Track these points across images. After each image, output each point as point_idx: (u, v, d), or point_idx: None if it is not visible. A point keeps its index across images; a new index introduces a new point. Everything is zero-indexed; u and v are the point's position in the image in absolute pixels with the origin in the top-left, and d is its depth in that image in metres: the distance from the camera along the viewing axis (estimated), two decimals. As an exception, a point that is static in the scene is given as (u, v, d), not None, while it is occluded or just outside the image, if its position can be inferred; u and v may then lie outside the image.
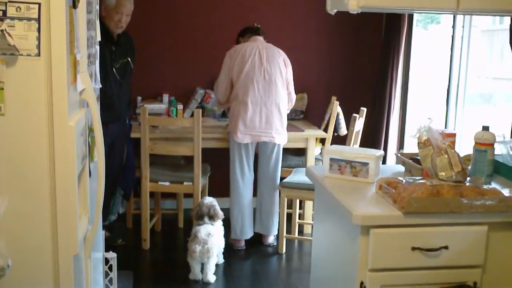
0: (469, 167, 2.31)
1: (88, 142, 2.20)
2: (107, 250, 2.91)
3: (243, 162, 4.17)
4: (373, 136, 4.89)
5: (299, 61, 4.74)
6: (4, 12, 1.72)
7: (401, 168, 2.60)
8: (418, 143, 2.21)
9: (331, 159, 2.38)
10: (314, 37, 5.09)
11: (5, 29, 1.71)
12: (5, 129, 1.77)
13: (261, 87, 4.05)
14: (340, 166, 2.37)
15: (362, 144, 4.42)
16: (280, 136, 4.15)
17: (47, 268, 1.89)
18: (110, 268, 2.93)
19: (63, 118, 1.82)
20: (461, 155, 2.24)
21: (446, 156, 2.09)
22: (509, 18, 3.34)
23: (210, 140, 4.30)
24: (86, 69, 2.19)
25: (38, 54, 1.76)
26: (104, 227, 2.90)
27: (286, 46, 4.34)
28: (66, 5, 1.80)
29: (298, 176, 4.10)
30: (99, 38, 2.52)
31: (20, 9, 1.73)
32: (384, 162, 4.50)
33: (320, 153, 4.63)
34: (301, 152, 4.63)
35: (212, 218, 3.73)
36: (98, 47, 2.54)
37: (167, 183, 4.18)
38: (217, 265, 3.80)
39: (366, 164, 2.32)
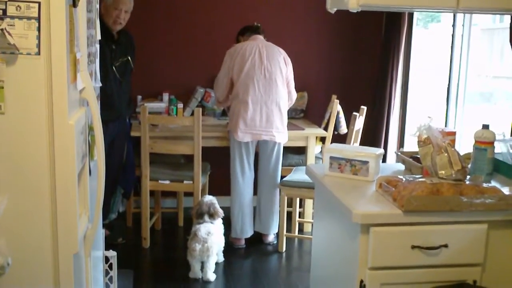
0: (469, 166, 2.31)
1: (88, 140, 2.20)
2: (107, 248, 2.91)
3: (243, 161, 4.17)
4: (373, 135, 4.89)
5: (299, 59, 4.74)
6: (4, 11, 1.72)
7: (401, 167, 2.61)
8: (418, 141, 2.22)
9: (331, 158, 2.39)
10: (314, 35, 5.09)
11: (5, 28, 1.71)
12: (5, 127, 1.77)
13: (262, 86, 4.05)
14: (340, 164, 2.37)
15: (362, 143, 4.42)
16: (281, 134, 4.15)
17: (47, 267, 1.89)
18: (110, 266, 2.93)
19: (63, 117, 1.82)
20: (461, 153, 2.24)
21: (446, 154, 2.10)
22: (509, 16, 3.34)
23: (210, 138, 4.30)
24: (86, 67, 2.19)
25: (38, 53, 1.76)
26: (104, 226, 2.90)
27: (286, 45, 4.34)
28: (66, 4, 1.80)
29: (298, 175, 4.10)
30: (99, 37, 2.52)
31: (20, 8, 1.73)
32: (384, 160, 4.50)
33: (320, 151, 4.63)
34: (301, 151, 4.63)
35: (212, 216, 3.74)
36: (98, 46, 2.54)
37: (167, 182, 4.19)
38: (217, 263, 3.81)
39: (366, 162, 2.32)
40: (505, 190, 2.07)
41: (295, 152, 4.66)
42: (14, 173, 1.81)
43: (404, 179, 2.12)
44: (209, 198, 3.83)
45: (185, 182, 4.17)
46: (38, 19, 1.74)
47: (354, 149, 2.55)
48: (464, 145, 3.91)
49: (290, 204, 4.42)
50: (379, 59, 4.97)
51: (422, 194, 1.96)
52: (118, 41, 3.96)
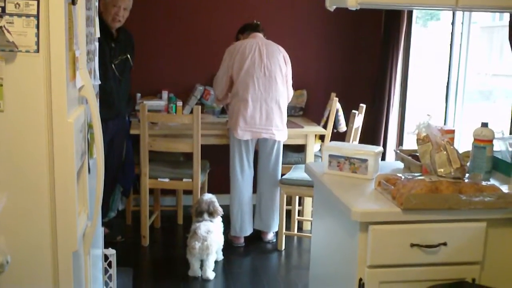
0: (468, 164, 2.31)
1: (87, 138, 2.20)
2: (106, 246, 2.91)
3: (243, 159, 4.17)
4: (372, 133, 4.89)
5: (298, 57, 4.74)
6: (3, 8, 1.72)
7: (400, 165, 2.61)
8: (417, 139, 2.22)
9: (330, 156, 2.39)
10: (313, 33, 5.09)
11: (4, 26, 1.71)
12: (4, 125, 1.77)
13: (261, 84, 4.05)
14: (339, 162, 2.37)
15: (362, 141, 4.43)
16: (281, 132, 4.15)
17: (46, 265, 1.89)
18: (110, 264, 2.94)
19: (62, 115, 1.82)
20: (460, 151, 2.24)
21: (445, 152, 2.10)
22: (508, 14, 3.34)
23: (209, 136, 4.30)
24: (85, 65, 2.19)
25: (37, 51, 1.76)
26: (103, 224, 2.90)
27: (285, 43, 4.33)
28: (65, 2, 1.80)
29: (297, 173, 4.10)
30: (98, 35, 2.52)
31: (19, 5, 1.73)
32: (383, 158, 4.51)
33: (320, 149, 4.63)
34: (300, 149, 4.63)
35: (211, 214, 3.74)
36: (97, 44, 2.54)
37: (166, 180, 4.19)
38: (216, 261, 3.81)
39: (365, 160, 2.33)
40: (504, 188, 2.07)
41: (294, 150, 4.66)
42: (13, 171, 1.81)
43: (403, 177, 2.12)
44: (208, 196, 3.83)
45: (184, 180, 4.17)
46: (37, 16, 1.74)
47: (353, 147, 2.55)
48: (463, 143, 3.91)
49: (289, 202, 4.42)
50: (378, 57, 4.96)
51: (421, 192, 1.96)
52: (118, 39, 3.96)
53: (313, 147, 4.46)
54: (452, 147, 2.14)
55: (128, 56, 4.05)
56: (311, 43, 5.10)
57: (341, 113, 4.54)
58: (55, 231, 1.88)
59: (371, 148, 2.42)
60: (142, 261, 4.05)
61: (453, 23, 4.44)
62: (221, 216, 3.85)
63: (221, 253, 3.95)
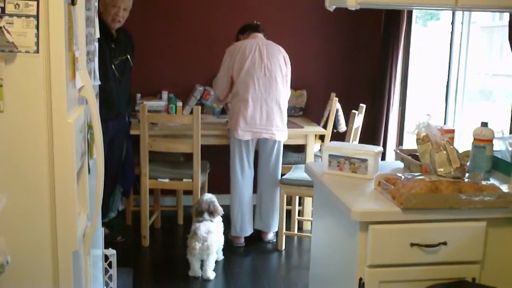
0: (468, 163, 2.31)
1: (87, 139, 2.20)
2: (106, 247, 2.91)
3: (243, 159, 4.17)
4: (372, 133, 4.89)
5: (298, 57, 4.74)
6: (3, 9, 1.72)
7: (400, 165, 2.61)
8: (417, 139, 2.22)
9: (330, 156, 2.39)
10: (313, 33, 5.09)
11: (4, 26, 1.71)
12: (4, 126, 1.77)
13: (262, 84, 4.05)
14: (339, 162, 2.37)
15: (361, 141, 4.43)
16: (281, 132, 4.15)
17: (46, 265, 1.89)
18: (110, 265, 2.94)
19: (62, 115, 1.82)
20: (460, 151, 2.24)
21: (445, 152, 2.10)
22: (508, 14, 3.34)
23: (209, 137, 4.30)
24: (85, 66, 2.19)
25: (37, 51, 1.76)
26: (103, 224, 2.90)
27: (285, 43, 4.33)
28: (64, 2, 1.80)
29: (297, 173, 4.10)
30: (98, 35, 2.52)
31: (19, 6, 1.73)
32: (383, 158, 4.51)
33: (320, 149, 4.63)
34: (300, 149, 4.63)
35: (211, 214, 3.74)
36: (97, 44, 2.54)
37: (166, 180, 4.19)
38: (216, 261, 3.81)
39: (365, 160, 2.33)
40: (504, 188, 2.07)
41: (294, 150, 4.66)
42: (13, 172, 1.81)
43: (403, 176, 2.12)
44: (208, 196, 3.83)
45: (184, 180, 4.17)
46: (37, 17, 1.74)
47: (353, 147, 2.55)
48: (463, 143, 3.91)
49: (290, 202, 4.42)
50: (378, 57, 4.96)
51: (421, 192, 1.96)
52: (118, 40, 3.96)
53: (313, 147, 4.46)
54: (452, 146, 2.14)
55: (128, 56, 4.05)
56: (311, 43, 5.10)
57: (341, 113, 4.54)
58: (55, 231, 1.89)
59: (371, 148, 2.42)
60: (143, 261, 4.05)
61: (453, 23, 4.45)
62: (221, 216, 3.85)
63: (222, 253, 3.95)
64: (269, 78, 4.06)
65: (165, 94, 4.71)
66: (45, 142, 1.82)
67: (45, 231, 1.87)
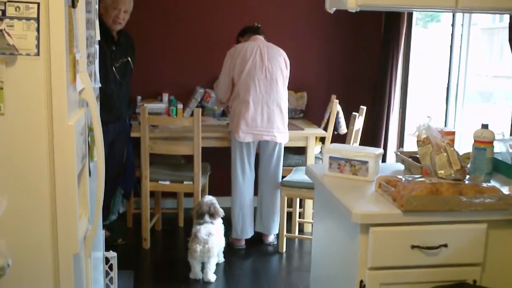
0: (468, 165, 2.31)
1: (88, 141, 2.20)
2: (107, 249, 2.91)
3: (244, 161, 4.17)
4: (372, 135, 4.89)
5: (298, 60, 4.74)
6: (3, 11, 1.72)
7: (401, 167, 2.61)
8: (417, 141, 2.22)
9: (331, 158, 2.39)
10: (313, 36, 5.09)
11: (4, 29, 1.71)
12: (5, 128, 1.78)
13: (263, 86, 4.05)
14: (339, 164, 2.37)
15: (362, 143, 4.43)
16: (282, 135, 4.15)
17: (47, 268, 1.89)
18: (111, 267, 2.94)
19: (62, 118, 1.82)
20: (461, 153, 2.24)
21: (445, 154, 2.10)
22: (508, 16, 3.34)
23: (210, 139, 4.31)
24: (85, 68, 2.19)
25: (38, 54, 1.76)
26: (104, 227, 2.90)
27: (285, 45, 4.34)
28: (65, 5, 1.80)
29: (298, 175, 4.10)
30: (98, 38, 2.52)
31: (19, 8, 1.73)
32: (383, 160, 4.50)
33: (320, 151, 4.63)
34: (301, 151, 4.63)
35: (212, 216, 3.74)
36: (97, 47, 2.54)
37: (167, 183, 4.19)
38: (217, 264, 3.81)
39: (365, 162, 2.32)
40: (505, 190, 2.07)
41: (295, 152, 4.66)
42: (14, 174, 1.81)
43: (403, 179, 2.12)
44: (209, 198, 3.83)
45: (185, 182, 4.17)
46: (37, 19, 1.75)
47: (353, 149, 2.55)
48: (464, 145, 3.91)
49: (290, 204, 4.42)
50: (378, 59, 4.97)
51: (421, 194, 1.96)
52: (118, 42, 3.97)
53: (314, 149, 4.46)
54: (452, 148, 2.14)
55: (129, 59, 4.06)
56: (312, 45, 5.10)
57: (341, 115, 4.54)
58: (56, 234, 1.88)
59: (372, 150, 2.42)
60: (143, 264, 4.05)
61: (453, 25, 4.45)
62: (222, 218, 3.85)
63: (222, 255, 3.95)
64: (270, 80, 4.07)
65: (165, 96, 4.71)
66: (46, 144, 1.82)
67: (46, 234, 1.87)
